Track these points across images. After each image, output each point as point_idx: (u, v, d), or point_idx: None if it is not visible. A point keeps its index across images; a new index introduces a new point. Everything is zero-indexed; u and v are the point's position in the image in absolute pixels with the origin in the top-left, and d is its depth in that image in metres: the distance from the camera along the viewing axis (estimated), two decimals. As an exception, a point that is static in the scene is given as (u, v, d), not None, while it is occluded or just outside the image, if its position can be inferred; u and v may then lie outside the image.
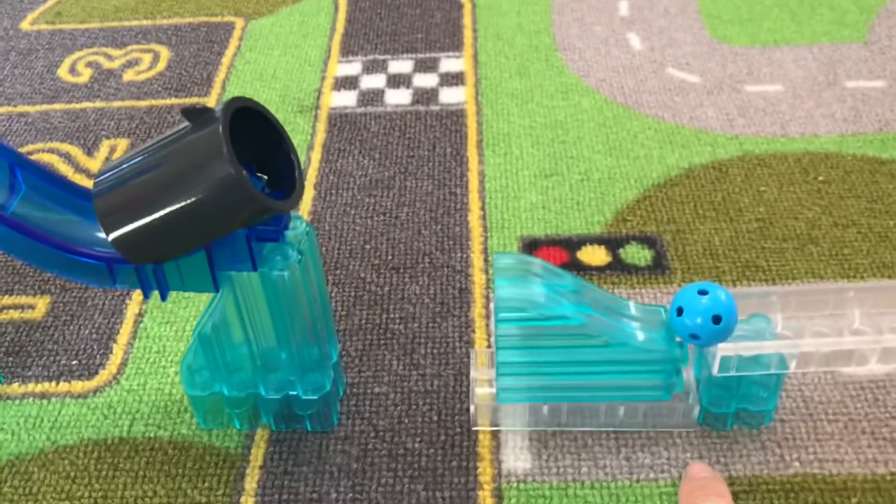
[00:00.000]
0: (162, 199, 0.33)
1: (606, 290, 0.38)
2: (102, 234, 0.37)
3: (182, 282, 0.37)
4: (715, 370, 0.39)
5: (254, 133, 0.36)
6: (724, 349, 0.38)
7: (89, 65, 0.73)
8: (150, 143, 0.35)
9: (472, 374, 0.43)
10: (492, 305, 0.39)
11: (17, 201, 0.37)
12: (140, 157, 0.34)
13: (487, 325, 0.48)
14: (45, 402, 0.46)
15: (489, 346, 0.47)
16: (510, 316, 0.37)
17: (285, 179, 0.37)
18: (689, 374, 0.42)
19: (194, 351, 0.40)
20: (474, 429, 0.43)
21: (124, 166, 0.35)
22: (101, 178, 0.35)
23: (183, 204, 0.33)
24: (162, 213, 0.34)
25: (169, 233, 0.34)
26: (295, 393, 0.41)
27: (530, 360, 0.38)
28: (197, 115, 0.33)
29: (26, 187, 0.37)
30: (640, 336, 0.38)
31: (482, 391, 0.42)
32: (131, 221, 0.34)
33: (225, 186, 0.32)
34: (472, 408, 0.43)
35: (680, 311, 0.37)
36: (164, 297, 0.37)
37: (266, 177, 0.37)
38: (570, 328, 0.37)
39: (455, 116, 0.64)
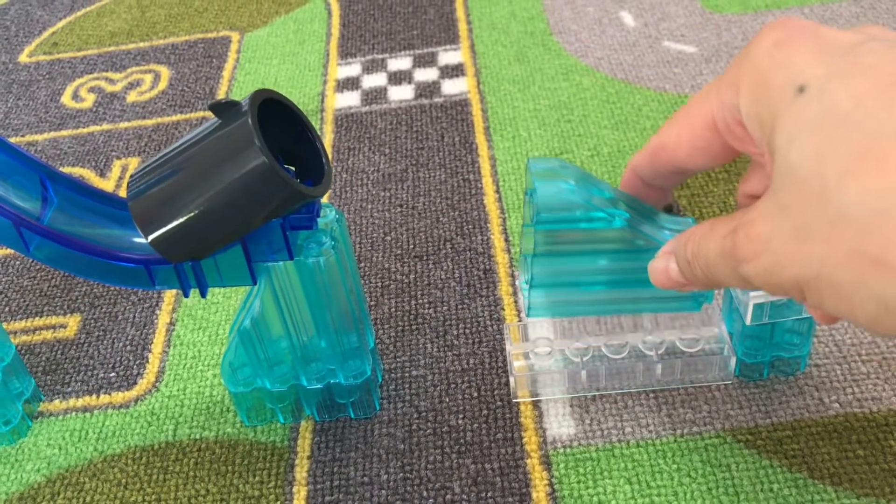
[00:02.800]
0: (197, 195, 0.34)
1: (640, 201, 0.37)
2: (138, 238, 0.38)
3: (220, 277, 0.37)
4: (748, 320, 0.40)
5: (278, 125, 0.36)
6: (755, 297, 0.39)
7: (92, 90, 0.74)
8: (179, 142, 0.35)
9: (508, 347, 0.44)
10: (515, 256, 0.38)
11: (52, 213, 0.37)
12: (171, 157, 0.35)
13: (516, 302, 0.49)
14: (88, 415, 0.46)
15: (520, 320, 0.47)
16: (550, 217, 0.35)
17: (312, 169, 0.37)
18: (721, 327, 0.43)
19: (235, 348, 0.41)
20: (515, 401, 0.43)
21: (156, 168, 0.35)
22: (135, 181, 0.36)
23: (219, 198, 0.34)
24: (199, 210, 0.34)
25: (207, 229, 0.35)
26: (336, 381, 0.42)
27: (565, 268, 0.37)
28: (225, 110, 0.34)
29: (59, 199, 0.38)
30: None
31: (519, 363, 0.43)
32: (169, 222, 0.35)
33: (259, 175, 0.33)
34: (511, 380, 0.43)
35: None
36: (203, 294, 0.38)
37: (294, 168, 0.38)
38: (611, 231, 0.35)
39: (460, 106, 0.65)
